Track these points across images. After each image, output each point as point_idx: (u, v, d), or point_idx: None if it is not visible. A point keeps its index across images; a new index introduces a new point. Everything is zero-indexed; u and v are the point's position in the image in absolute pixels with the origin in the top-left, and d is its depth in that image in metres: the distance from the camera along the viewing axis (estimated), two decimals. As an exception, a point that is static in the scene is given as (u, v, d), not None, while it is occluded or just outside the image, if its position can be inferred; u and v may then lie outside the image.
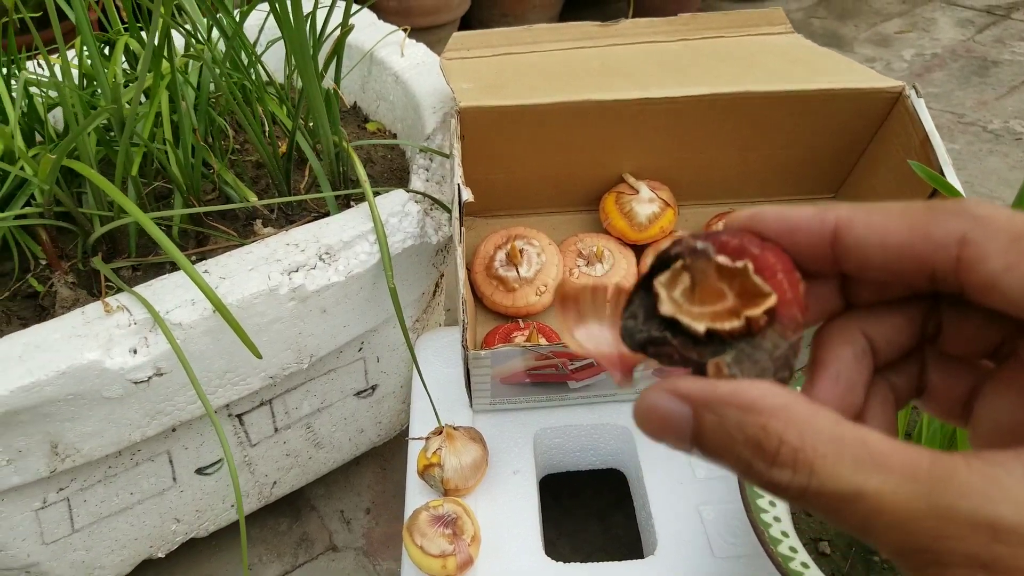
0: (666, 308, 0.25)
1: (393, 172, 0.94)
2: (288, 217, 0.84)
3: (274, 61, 0.96)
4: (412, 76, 0.96)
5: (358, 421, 0.88)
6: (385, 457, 1.01)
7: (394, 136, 1.00)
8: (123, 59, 0.82)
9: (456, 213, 0.69)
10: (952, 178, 0.72)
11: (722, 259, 0.24)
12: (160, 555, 0.80)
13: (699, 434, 0.22)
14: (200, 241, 0.79)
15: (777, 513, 0.55)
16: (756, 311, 0.23)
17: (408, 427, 0.78)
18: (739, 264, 0.24)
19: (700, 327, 0.24)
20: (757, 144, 0.84)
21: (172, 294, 0.65)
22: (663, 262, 0.26)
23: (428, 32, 1.85)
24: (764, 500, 0.56)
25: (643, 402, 0.23)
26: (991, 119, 1.73)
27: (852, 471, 0.20)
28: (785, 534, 0.54)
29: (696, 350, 0.24)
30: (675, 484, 0.69)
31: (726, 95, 0.78)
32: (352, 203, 0.84)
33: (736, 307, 0.24)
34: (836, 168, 0.90)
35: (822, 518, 0.22)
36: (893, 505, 0.20)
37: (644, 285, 0.26)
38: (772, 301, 0.24)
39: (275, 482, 0.85)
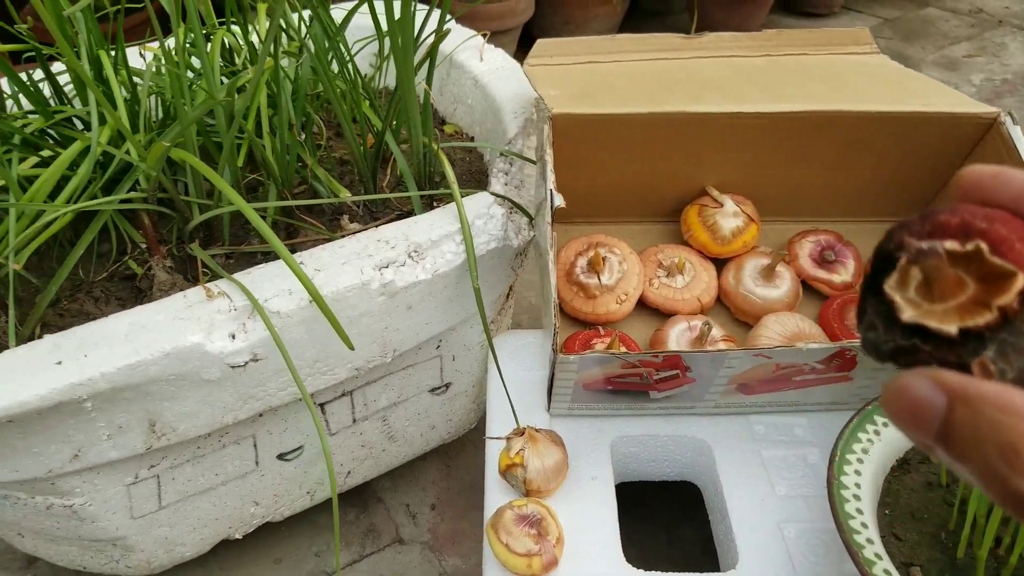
0: (908, 315, 0.23)
1: (472, 175, 0.95)
2: (372, 214, 0.85)
3: (357, 58, 0.97)
4: (492, 80, 0.97)
5: (430, 417, 0.90)
6: (449, 456, 1.02)
7: (472, 139, 1.02)
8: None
9: (548, 219, 0.70)
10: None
11: (950, 245, 0.23)
12: (237, 536, 0.82)
13: (948, 427, 0.21)
14: (290, 233, 0.81)
15: (870, 535, 0.55)
16: (1007, 298, 0.22)
17: (476, 427, 0.79)
18: (970, 247, 0.22)
19: (951, 328, 0.22)
20: (845, 163, 0.84)
21: (270, 283, 0.67)
22: (884, 261, 0.24)
23: (492, 38, 1.87)
24: (856, 521, 0.56)
25: (896, 383, 0.22)
26: (1064, 148, 1.69)
27: None
28: (879, 556, 0.54)
29: (953, 351, 0.22)
30: (756, 500, 0.70)
31: (819, 113, 0.78)
32: (435, 203, 0.86)
33: (981, 295, 0.22)
34: (922, 190, 0.89)
35: None
36: None
37: (872, 289, 0.24)
38: (1020, 281, 0.22)
39: (349, 472, 0.87)
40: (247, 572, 0.88)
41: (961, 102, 0.81)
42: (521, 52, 1.32)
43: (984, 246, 0.22)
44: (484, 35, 1.06)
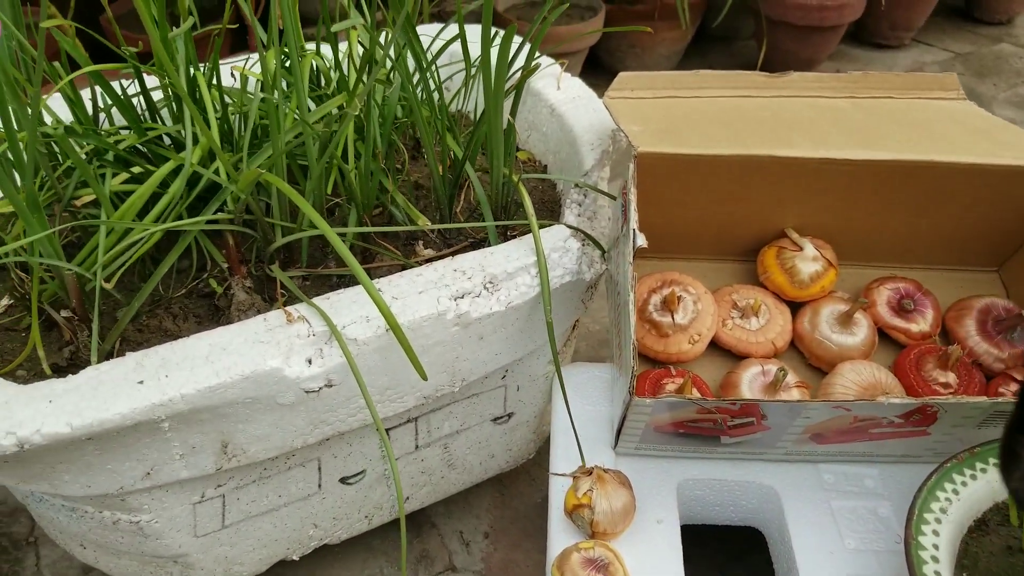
0: None
1: (544, 204, 0.95)
2: (445, 240, 0.85)
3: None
4: (568, 110, 0.97)
5: (491, 446, 0.89)
6: (504, 483, 1.01)
7: (544, 167, 1.02)
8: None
9: (629, 258, 0.69)
10: None
11: None
12: (295, 557, 0.83)
13: None
14: (365, 257, 0.81)
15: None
16: None
17: (534, 457, 0.79)
18: None
19: None
20: (929, 211, 0.82)
21: (348, 309, 0.67)
22: None
23: (558, 59, 1.87)
24: (941, 589, 0.54)
25: None
26: None
27: None
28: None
29: None
30: (825, 553, 0.68)
31: (908, 162, 0.77)
32: (508, 233, 0.85)
33: None
34: (1006, 243, 0.87)
35: None
36: None
37: (1021, 428, 0.23)
38: None
39: (408, 497, 0.87)
40: (302, 593, 0.88)
41: (1054, 155, 0.79)
42: (586, 75, 1.32)
43: None
44: (563, 63, 1.05)
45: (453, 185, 0.85)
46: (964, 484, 0.64)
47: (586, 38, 1.92)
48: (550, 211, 0.93)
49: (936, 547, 0.59)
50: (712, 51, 2.30)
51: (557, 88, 1.02)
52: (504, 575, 0.90)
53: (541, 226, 0.78)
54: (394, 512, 0.87)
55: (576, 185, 0.86)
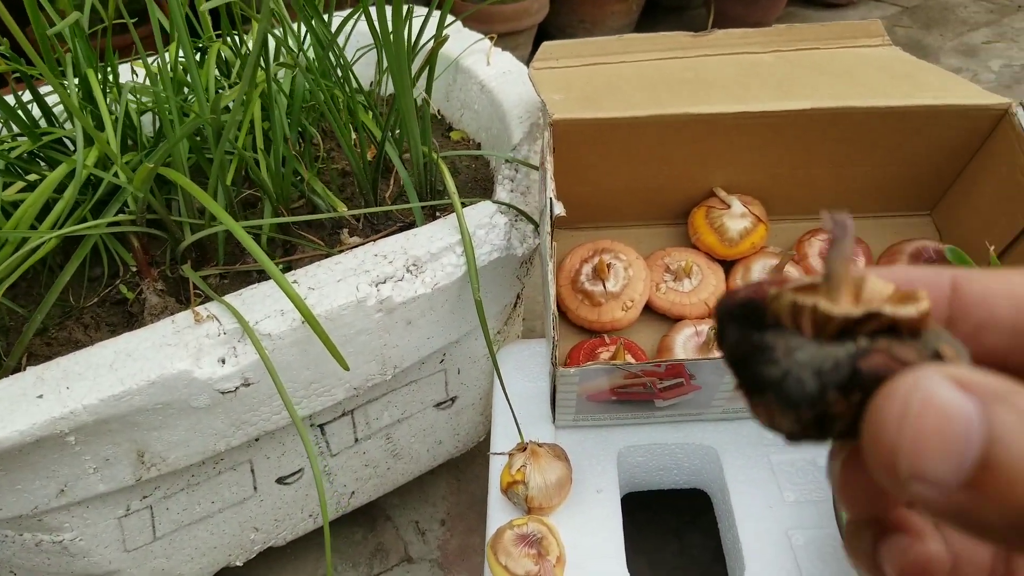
0: (845, 308, 0.18)
1: (477, 182, 0.93)
2: (373, 226, 0.83)
3: (359, 68, 0.95)
4: (498, 85, 0.95)
5: (436, 432, 0.87)
6: (459, 469, 1.00)
7: (478, 145, 1.00)
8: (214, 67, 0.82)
9: (547, 227, 0.68)
10: (1072, 200, 0.68)
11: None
12: (238, 564, 0.80)
13: (992, 445, 0.14)
14: (287, 250, 0.79)
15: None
16: (921, 304, 0.18)
17: (485, 439, 0.77)
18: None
19: (912, 309, 0.18)
20: (855, 160, 0.81)
21: (261, 304, 0.65)
22: (750, 313, 0.20)
23: (507, 38, 1.85)
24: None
25: (914, 395, 0.15)
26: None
27: None
28: None
29: (911, 347, 0.18)
30: (764, 508, 0.67)
31: (827, 110, 0.75)
32: (438, 214, 0.84)
33: (892, 296, 0.19)
34: (934, 185, 0.86)
35: None
36: None
37: (756, 339, 0.20)
38: (926, 300, 0.19)
39: (353, 492, 0.85)
40: (252, 597, 0.86)
41: (972, 94, 0.78)
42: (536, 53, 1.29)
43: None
44: (491, 38, 1.03)
45: (376, 169, 0.82)
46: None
47: (534, 15, 1.90)
48: (483, 189, 0.91)
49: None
50: (663, 22, 2.29)
51: (487, 64, 1.00)
52: (461, 561, 0.89)
53: (469, 203, 0.77)
54: (340, 509, 0.85)
55: (507, 160, 0.84)
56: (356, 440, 0.80)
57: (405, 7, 0.69)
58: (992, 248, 0.57)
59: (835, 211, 0.20)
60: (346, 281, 0.68)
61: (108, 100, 0.72)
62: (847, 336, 0.18)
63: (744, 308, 0.21)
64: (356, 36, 0.97)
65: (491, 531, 0.66)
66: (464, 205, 0.76)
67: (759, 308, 0.20)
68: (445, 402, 0.86)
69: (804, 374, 0.18)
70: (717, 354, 0.72)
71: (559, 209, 0.67)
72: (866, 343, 0.18)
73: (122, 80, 0.82)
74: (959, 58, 2.08)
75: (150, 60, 0.81)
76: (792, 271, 0.79)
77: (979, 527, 0.15)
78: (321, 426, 0.76)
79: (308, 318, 0.62)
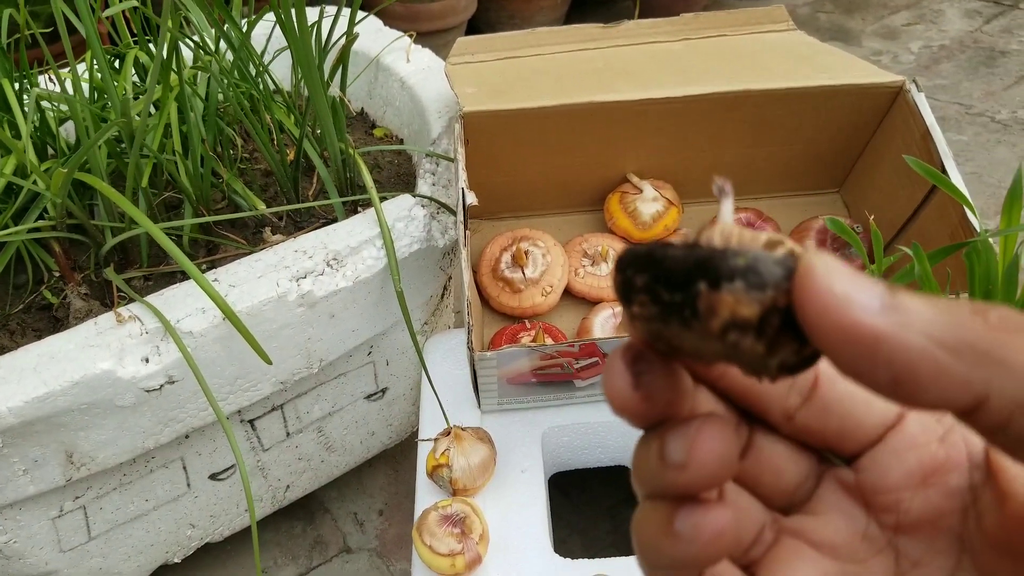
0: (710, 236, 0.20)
1: (400, 177, 0.95)
2: (297, 224, 0.85)
3: (282, 70, 0.97)
4: (418, 81, 0.97)
5: (369, 424, 0.89)
6: (397, 460, 1.02)
7: (401, 141, 1.01)
8: (133, 72, 0.83)
9: (460, 217, 0.70)
10: (953, 172, 0.72)
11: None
12: (176, 560, 0.82)
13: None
14: (211, 250, 0.80)
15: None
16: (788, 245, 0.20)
17: (418, 429, 0.79)
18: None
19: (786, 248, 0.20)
20: (760, 142, 0.85)
21: (183, 303, 0.67)
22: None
23: (436, 36, 1.86)
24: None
25: (824, 272, 0.18)
26: (999, 109, 1.72)
27: None
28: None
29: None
30: (682, 481, 0.70)
31: (727, 94, 0.79)
32: (359, 209, 0.85)
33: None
34: (840, 164, 0.90)
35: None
36: None
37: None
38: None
39: (288, 486, 0.86)
40: (194, 594, 0.88)
41: (869, 73, 0.82)
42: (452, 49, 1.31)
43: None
44: (411, 35, 1.05)
45: (296, 168, 0.84)
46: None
47: (461, 13, 1.92)
48: (406, 184, 0.93)
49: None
50: (593, 15, 2.32)
51: (407, 61, 1.02)
52: (398, 548, 0.91)
53: (388, 197, 0.78)
54: (276, 503, 0.87)
55: (427, 155, 0.86)
56: (288, 434, 0.82)
57: (316, 7, 0.71)
58: (872, 218, 0.61)
59: (718, 177, 0.22)
60: (266, 277, 0.69)
61: (25, 109, 0.72)
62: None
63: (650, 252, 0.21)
64: (277, 39, 0.98)
65: (418, 515, 0.68)
66: (385, 199, 0.78)
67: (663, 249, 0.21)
68: (376, 394, 0.88)
69: (769, 262, 0.20)
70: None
71: (471, 198, 0.70)
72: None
73: (40, 89, 0.83)
74: (880, 41, 2.14)
75: (66, 70, 0.82)
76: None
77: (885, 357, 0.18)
78: (251, 421, 0.77)
79: (227, 314, 0.64)
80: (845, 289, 0.18)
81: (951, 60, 1.99)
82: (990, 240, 0.53)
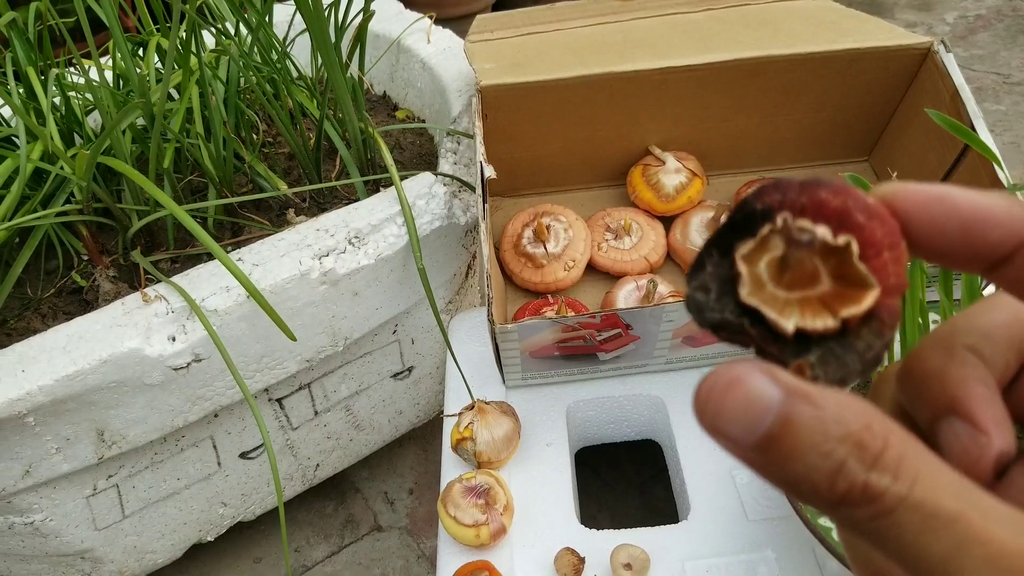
0: (748, 295, 0.21)
1: (422, 157, 0.95)
2: (320, 206, 0.85)
3: (304, 55, 0.97)
4: (439, 62, 0.97)
5: (396, 403, 0.90)
6: (426, 439, 1.02)
7: (423, 122, 1.01)
8: (156, 59, 0.84)
9: (479, 191, 0.70)
10: (982, 130, 0.70)
11: (822, 231, 0.20)
12: (209, 539, 0.83)
13: (784, 427, 0.18)
14: (236, 232, 0.81)
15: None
16: (855, 310, 0.20)
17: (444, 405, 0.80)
18: (841, 241, 0.20)
19: (788, 325, 0.20)
20: (785, 110, 0.84)
21: (207, 282, 0.67)
22: (746, 220, 0.21)
23: (462, 21, 1.86)
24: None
25: (727, 374, 0.19)
26: (1038, 77, 1.68)
27: (955, 492, 0.18)
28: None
29: (777, 345, 0.20)
30: (708, 451, 0.69)
31: (749, 60, 0.78)
32: (381, 188, 0.86)
33: (830, 296, 0.20)
34: (868, 130, 0.88)
35: (892, 543, 0.19)
36: (999, 538, 0.18)
37: (719, 245, 0.22)
38: (874, 296, 0.20)
39: (318, 464, 0.87)
40: (227, 574, 0.89)
41: (895, 36, 0.80)
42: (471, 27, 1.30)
43: (855, 246, 0.20)
44: (431, 17, 1.05)
45: (318, 150, 0.84)
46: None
47: (487, -4, 1.91)
48: (428, 164, 0.93)
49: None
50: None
51: (428, 42, 1.02)
52: (428, 526, 0.91)
53: (409, 176, 0.79)
54: (306, 481, 0.87)
55: (448, 133, 0.86)
56: (316, 413, 0.82)
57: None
58: (895, 174, 0.59)
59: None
60: (289, 256, 0.70)
61: (50, 97, 0.73)
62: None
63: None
64: (299, 24, 0.99)
65: (443, 488, 0.68)
66: (406, 178, 0.78)
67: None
68: (402, 372, 0.88)
69: (699, 310, 0.21)
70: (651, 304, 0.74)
71: (489, 171, 0.70)
72: (749, 324, 0.21)
73: (67, 80, 0.84)
74: (914, 13, 2.10)
75: (96, 59, 0.83)
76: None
77: (766, 479, 0.19)
78: (279, 400, 0.78)
79: (251, 291, 0.64)
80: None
81: (988, 29, 1.94)
82: (1019, 195, 0.51)
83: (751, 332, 0.21)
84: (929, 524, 0.18)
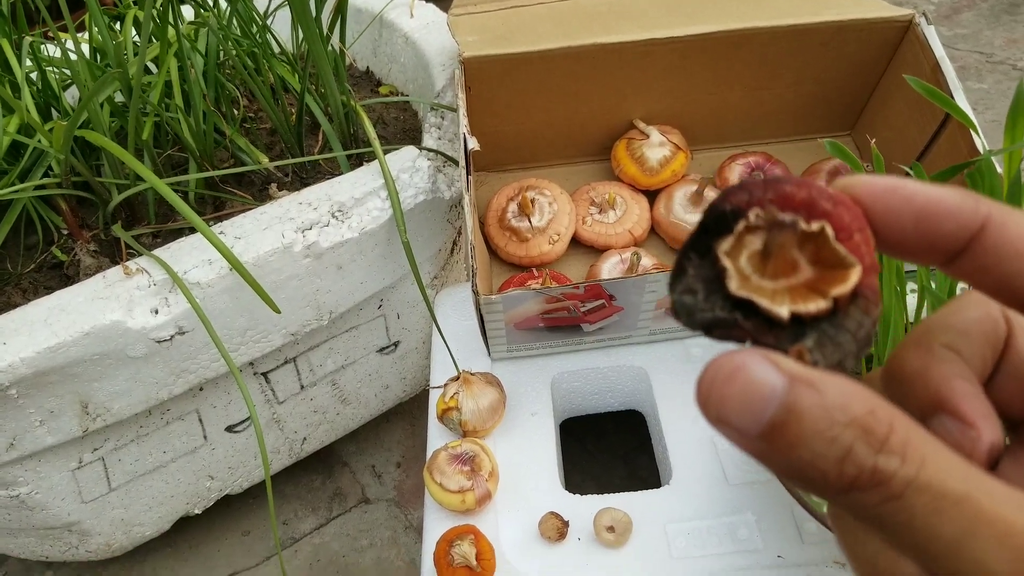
0: (737, 287, 0.21)
1: (406, 132, 0.94)
2: (303, 180, 0.85)
3: (284, 30, 0.97)
4: (421, 36, 0.97)
5: (383, 377, 0.90)
6: (414, 414, 1.02)
7: (406, 97, 1.01)
8: (133, 32, 0.84)
9: (463, 162, 0.70)
10: (962, 101, 0.71)
11: (803, 226, 0.21)
12: (196, 512, 0.83)
13: (788, 414, 0.18)
14: (218, 207, 0.81)
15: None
16: (843, 288, 0.20)
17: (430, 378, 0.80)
18: (815, 227, 0.21)
19: (783, 311, 0.20)
20: (767, 83, 0.84)
21: (189, 255, 0.67)
22: (718, 222, 0.22)
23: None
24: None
25: (728, 363, 0.19)
26: (1021, 56, 1.69)
27: (961, 475, 0.18)
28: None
29: (772, 334, 0.21)
30: (690, 419, 0.70)
31: (730, 32, 0.78)
32: (364, 163, 0.85)
33: (815, 281, 0.21)
34: (850, 104, 0.89)
35: (902, 527, 0.19)
36: (1007, 517, 0.18)
37: (696, 249, 0.22)
38: (858, 273, 0.20)
39: (305, 438, 0.87)
40: (215, 547, 0.89)
41: (877, 8, 0.80)
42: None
43: (830, 230, 0.21)
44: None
45: (299, 124, 0.84)
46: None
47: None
48: (412, 139, 0.93)
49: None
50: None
51: (411, 16, 1.01)
52: (416, 498, 0.92)
53: (392, 150, 0.78)
54: (293, 455, 0.88)
55: (431, 108, 0.86)
56: (302, 387, 0.82)
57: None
58: (873, 142, 0.60)
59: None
60: (272, 229, 0.70)
61: (24, 69, 0.73)
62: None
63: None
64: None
65: (429, 456, 0.69)
66: (389, 153, 0.78)
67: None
68: (388, 347, 0.88)
69: (688, 313, 0.22)
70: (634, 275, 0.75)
71: (472, 143, 0.70)
72: (742, 318, 0.21)
73: (45, 53, 0.83)
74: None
75: (73, 32, 0.82)
76: (713, 195, 0.82)
77: (775, 469, 0.19)
78: (265, 374, 0.78)
79: (233, 263, 0.64)
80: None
81: (972, 9, 1.95)
82: (993, 160, 0.52)
83: (745, 325, 0.21)
84: (938, 505, 0.18)
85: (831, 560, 0.58)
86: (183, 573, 0.88)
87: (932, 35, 0.76)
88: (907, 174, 0.55)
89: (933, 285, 0.52)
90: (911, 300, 0.57)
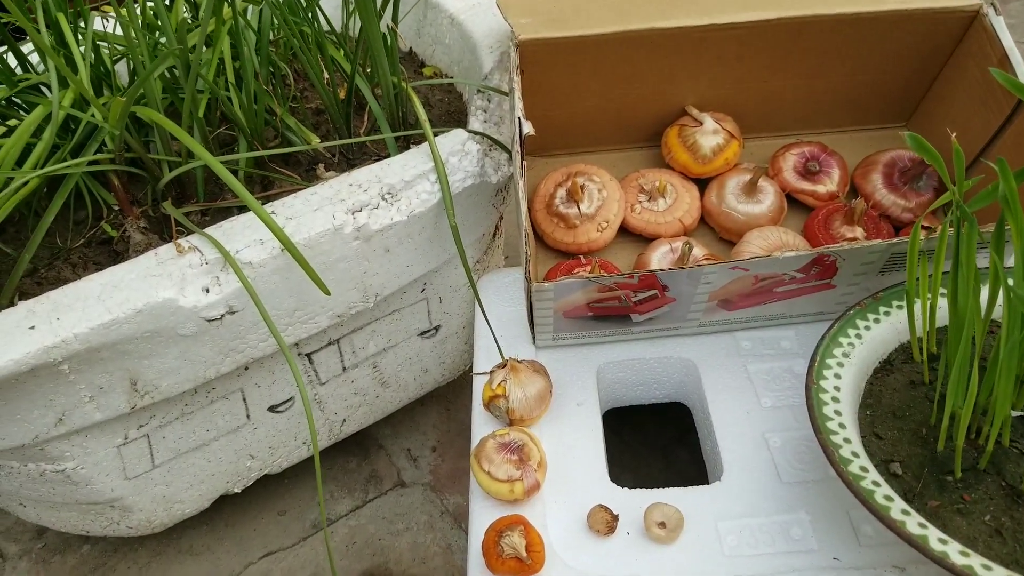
0: None
1: (451, 115, 0.93)
2: (349, 161, 0.84)
3: (331, 9, 0.96)
4: (468, 17, 0.95)
5: (423, 361, 0.90)
6: (449, 399, 1.02)
7: (452, 79, 1.00)
8: (185, 10, 0.83)
9: (517, 146, 0.69)
10: (1032, 96, 0.69)
11: None
12: (236, 490, 0.83)
13: None
14: (266, 186, 0.80)
15: (847, 435, 0.55)
16: None
17: (472, 365, 0.79)
18: None
19: None
20: (824, 71, 0.82)
21: (241, 234, 0.67)
22: None
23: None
24: (834, 423, 0.55)
25: None
26: (1072, 47, 1.65)
27: None
28: (856, 454, 0.53)
29: None
30: (741, 414, 0.69)
31: (791, 19, 0.76)
32: (411, 144, 0.85)
33: None
34: (907, 95, 0.87)
35: None
36: None
37: None
38: None
39: (344, 420, 0.87)
40: (252, 526, 0.89)
41: (941, -3, 0.78)
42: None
43: None
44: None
45: (348, 104, 0.83)
46: (868, 328, 0.65)
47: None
48: (457, 122, 0.92)
49: (838, 389, 0.60)
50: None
51: (456, -2, 1.00)
52: (451, 483, 0.92)
53: (441, 133, 0.78)
54: (332, 436, 0.87)
55: (479, 91, 0.85)
56: (344, 369, 0.82)
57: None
58: (954, 136, 0.58)
59: None
60: (322, 210, 0.69)
61: (81, 47, 0.72)
62: None
63: None
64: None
65: (475, 443, 0.68)
66: (438, 135, 0.77)
67: None
68: (429, 331, 0.88)
69: None
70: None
71: (527, 128, 0.69)
72: None
73: (95, 28, 0.83)
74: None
75: (130, 5, 0.82)
76: (767, 185, 0.80)
77: None
78: (309, 355, 0.78)
79: (286, 244, 0.64)
80: None
81: (1021, -2, 1.91)
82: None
83: None
84: None
85: (890, 564, 0.57)
86: (219, 551, 0.88)
87: (1000, 25, 0.74)
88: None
89: (1011, 281, 0.50)
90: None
